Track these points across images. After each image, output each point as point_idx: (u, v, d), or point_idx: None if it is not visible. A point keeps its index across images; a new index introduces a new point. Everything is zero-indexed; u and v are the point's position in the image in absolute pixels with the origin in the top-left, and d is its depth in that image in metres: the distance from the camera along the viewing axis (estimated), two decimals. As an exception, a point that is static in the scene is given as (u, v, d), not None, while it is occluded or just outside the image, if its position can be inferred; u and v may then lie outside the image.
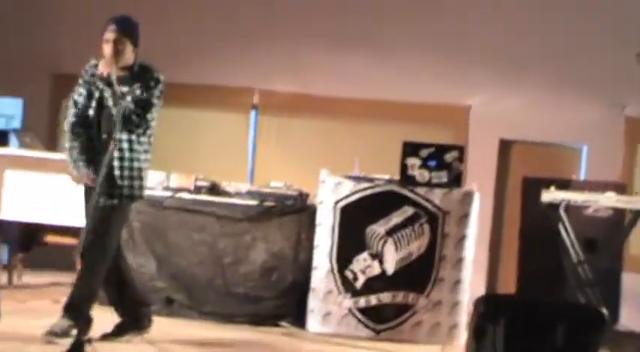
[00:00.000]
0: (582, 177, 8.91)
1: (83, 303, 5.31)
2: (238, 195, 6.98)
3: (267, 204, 6.85)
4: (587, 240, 6.82)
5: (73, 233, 7.06)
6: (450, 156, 6.67)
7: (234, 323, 6.59)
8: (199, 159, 8.98)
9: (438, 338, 6.46)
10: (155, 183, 7.03)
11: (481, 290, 8.37)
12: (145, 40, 9.77)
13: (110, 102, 5.28)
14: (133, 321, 5.49)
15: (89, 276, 5.33)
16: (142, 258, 6.88)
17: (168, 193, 6.92)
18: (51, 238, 7.53)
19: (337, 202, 6.63)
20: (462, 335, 6.24)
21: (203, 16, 9.44)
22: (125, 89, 5.26)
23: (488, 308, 4.18)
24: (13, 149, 7.89)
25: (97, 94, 5.34)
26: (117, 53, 5.26)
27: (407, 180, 6.64)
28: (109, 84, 5.25)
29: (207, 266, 6.80)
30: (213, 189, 7.00)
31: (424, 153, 6.66)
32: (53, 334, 5.20)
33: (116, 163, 5.30)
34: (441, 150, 6.69)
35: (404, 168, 6.66)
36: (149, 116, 5.34)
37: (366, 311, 6.56)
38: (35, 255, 7.88)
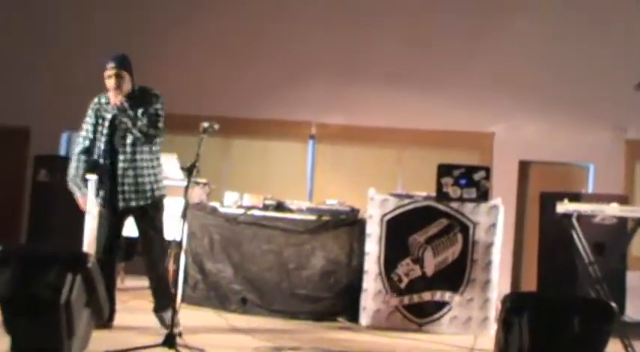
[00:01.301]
0: (590, 191, 8.77)
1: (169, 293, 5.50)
2: (300, 211, 6.97)
3: (324, 218, 6.83)
4: (596, 244, 6.69)
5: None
6: (478, 176, 6.61)
7: (299, 320, 6.57)
8: (267, 182, 9.02)
9: (471, 330, 6.38)
10: (231, 202, 7.08)
11: (507, 289, 8.27)
12: (217, 83, 9.88)
13: (130, 124, 5.35)
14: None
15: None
16: (221, 264, 6.91)
17: (241, 210, 6.95)
18: (147, 249, 7.58)
19: (383, 216, 6.61)
20: (492, 327, 6.16)
21: (266, 59, 9.50)
22: (140, 110, 5.37)
23: (514, 303, 4.13)
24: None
25: (106, 123, 5.42)
26: (120, 84, 5.37)
27: (442, 196, 6.60)
28: (124, 110, 5.35)
29: (275, 271, 6.79)
30: (279, 207, 6.99)
31: (456, 173, 6.61)
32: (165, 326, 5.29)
33: (131, 173, 5.42)
34: (470, 170, 6.64)
35: (439, 186, 6.61)
36: (160, 125, 5.45)
37: (409, 307, 6.51)
38: (135, 263, 7.97)
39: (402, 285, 6.52)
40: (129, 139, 5.42)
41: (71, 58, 9.94)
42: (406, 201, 6.62)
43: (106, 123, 5.45)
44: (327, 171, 9.50)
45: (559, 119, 8.95)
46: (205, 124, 5.25)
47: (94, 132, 5.48)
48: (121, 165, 5.43)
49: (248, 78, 9.48)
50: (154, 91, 5.53)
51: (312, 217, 6.86)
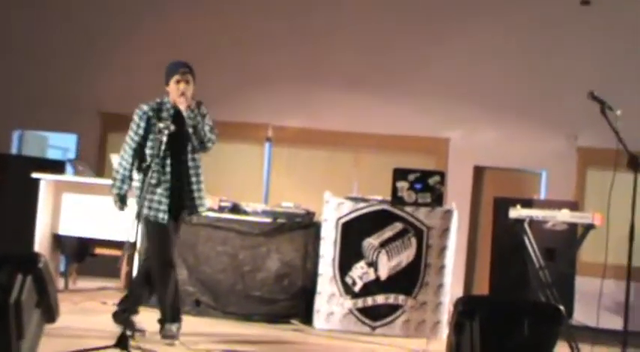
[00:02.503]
0: (542, 197, 8.89)
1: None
2: (255, 213, 6.97)
3: (280, 221, 6.86)
4: (546, 249, 6.79)
5: (118, 246, 7.09)
6: (433, 180, 6.68)
7: (253, 322, 6.57)
8: (223, 184, 8.96)
9: (424, 333, 6.44)
10: (186, 203, 7.05)
11: (460, 293, 8.36)
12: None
13: (191, 130, 5.34)
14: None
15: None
16: (176, 266, 6.88)
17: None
18: (100, 250, 7.51)
19: (339, 219, 6.64)
20: (445, 331, 6.24)
21: (226, 62, 9.48)
22: (199, 118, 5.37)
23: (466, 306, 4.17)
24: (69, 176, 7.91)
25: (166, 131, 5.27)
26: (188, 89, 5.40)
27: (397, 200, 6.65)
28: (194, 115, 5.34)
29: (230, 273, 6.78)
30: (234, 209, 7.00)
31: (411, 177, 6.67)
32: (171, 337, 5.31)
33: (194, 179, 5.42)
34: (425, 175, 6.70)
35: (394, 190, 6.66)
36: (213, 137, 5.45)
37: (363, 310, 6.55)
38: (87, 264, 7.89)
39: (356, 288, 6.55)
40: (189, 146, 5.39)
41: (23, 59, 9.82)
42: (361, 204, 6.65)
43: (166, 131, 5.26)
44: (283, 173, 9.50)
45: (513, 126, 9.07)
46: (161, 125, 5.22)
47: (144, 139, 5.38)
48: (180, 171, 5.39)
49: (205, 80, 9.34)
50: (204, 106, 5.52)
51: (268, 220, 6.87)
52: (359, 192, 7.05)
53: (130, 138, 5.39)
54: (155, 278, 5.41)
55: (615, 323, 6.21)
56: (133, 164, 5.39)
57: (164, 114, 5.37)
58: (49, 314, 4.48)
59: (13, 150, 9.95)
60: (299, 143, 9.49)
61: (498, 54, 9.07)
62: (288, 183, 9.34)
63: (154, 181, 5.27)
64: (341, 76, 9.33)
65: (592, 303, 5.88)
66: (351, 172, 9.02)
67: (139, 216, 5.06)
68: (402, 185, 6.65)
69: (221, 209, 6.96)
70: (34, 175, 7.15)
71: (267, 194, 9.49)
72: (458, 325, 4.10)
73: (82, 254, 7.64)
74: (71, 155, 9.75)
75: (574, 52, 8.85)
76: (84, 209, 7.14)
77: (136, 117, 5.39)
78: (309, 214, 6.95)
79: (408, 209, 6.58)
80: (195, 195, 5.43)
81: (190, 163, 5.42)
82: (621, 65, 8.73)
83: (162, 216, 5.32)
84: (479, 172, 9.22)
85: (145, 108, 5.40)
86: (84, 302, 6.78)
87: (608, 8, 8.78)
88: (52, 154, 10.14)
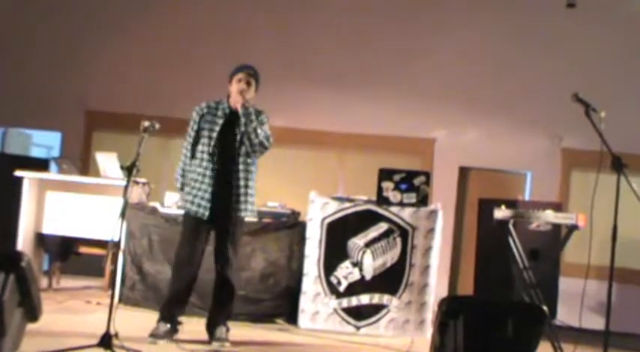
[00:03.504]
0: (527, 197, 8.94)
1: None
2: (241, 212, 6.96)
3: (265, 220, 6.85)
4: (531, 250, 6.84)
5: (102, 244, 7.07)
6: (418, 181, 6.70)
7: (238, 321, 6.54)
8: (208, 183, 8.98)
9: (408, 333, 6.46)
10: (171, 202, 7.03)
11: (445, 292, 8.39)
12: (161, 84, 9.83)
13: (242, 129, 5.37)
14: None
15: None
16: (160, 265, 6.85)
17: (182, 211, 6.91)
18: (83, 249, 7.48)
19: (324, 219, 6.65)
20: (429, 330, 6.25)
21: (210, 61, 9.44)
22: (255, 123, 5.38)
23: (450, 307, 4.19)
24: (53, 174, 7.87)
25: (217, 127, 5.38)
26: (248, 91, 5.44)
27: (382, 200, 6.66)
28: (248, 113, 5.36)
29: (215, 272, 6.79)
30: (220, 208, 6.99)
31: (397, 177, 6.69)
32: (157, 336, 5.33)
33: (242, 183, 5.44)
34: (410, 175, 6.72)
35: (380, 190, 6.68)
36: (266, 143, 5.45)
37: (348, 310, 6.56)
38: (71, 263, 7.86)
39: (341, 288, 6.57)
40: (242, 149, 5.40)
41: (7, 56, 9.76)
42: (347, 204, 6.66)
43: (217, 128, 5.39)
44: (269, 173, 9.47)
45: (499, 127, 9.11)
46: (146, 123, 5.21)
47: (198, 137, 5.43)
48: (229, 171, 5.40)
49: (190, 78, 9.42)
50: (265, 113, 5.56)
51: (253, 219, 6.85)
52: (344, 192, 7.06)
53: (188, 134, 5.51)
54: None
55: (598, 323, 6.25)
56: (191, 159, 5.45)
57: (219, 113, 5.42)
58: (32, 313, 4.48)
59: (-3, 148, 9.89)
60: (284, 143, 9.44)
61: (484, 55, 9.11)
62: (274, 182, 9.32)
63: (199, 177, 5.32)
64: (326, 75, 9.34)
65: (575, 304, 5.91)
66: (337, 172, 9.04)
67: (123, 214, 5.05)
68: (388, 185, 6.66)
69: (206, 208, 6.93)
70: (18, 173, 7.12)
71: (253, 193, 9.46)
72: (442, 325, 4.13)
73: (65, 253, 7.60)
74: (55, 153, 9.70)
75: (559, 53, 8.90)
76: (68, 207, 7.10)
77: (193, 114, 5.51)
78: (295, 214, 6.95)
79: (393, 209, 6.59)
80: (241, 198, 5.41)
81: (241, 166, 5.42)
82: (606, 67, 8.79)
83: (196, 210, 5.37)
84: (464, 173, 9.26)
85: (202, 105, 5.51)
86: (67, 301, 6.76)
87: (594, 11, 8.83)
88: (36, 152, 10.08)
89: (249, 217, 5.67)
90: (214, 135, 5.37)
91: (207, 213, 5.37)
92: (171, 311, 5.48)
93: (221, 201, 5.39)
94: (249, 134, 5.37)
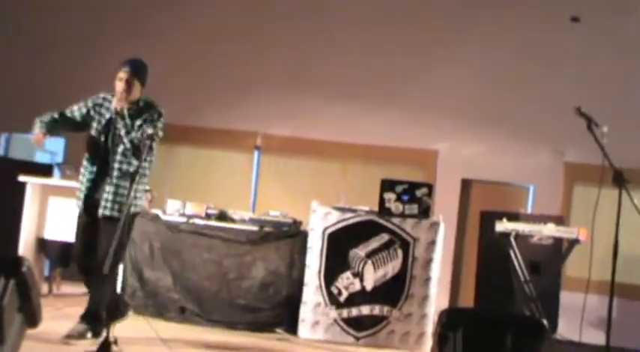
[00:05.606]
0: (529, 211, 8.91)
1: (99, 309, 5.32)
2: (242, 221, 6.96)
3: (266, 229, 6.85)
4: (532, 263, 6.84)
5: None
6: (420, 192, 6.70)
7: (237, 330, 6.55)
8: (210, 191, 8.98)
9: (408, 345, 6.45)
10: (173, 210, 7.04)
11: (445, 304, 8.36)
12: (165, 90, 9.84)
13: (122, 132, 5.27)
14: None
15: (105, 285, 5.35)
16: (160, 273, 6.86)
17: (183, 219, 6.93)
18: (85, 255, 7.47)
19: (325, 229, 6.65)
20: (429, 342, 6.24)
21: (216, 69, 9.48)
22: (138, 122, 5.28)
23: (450, 319, 4.18)
24: (56, 180, 7.87)
25: (103, 121, 5.35)
26: (128, 90, 5.31)
27: (384, 211, 6.66)
28: (122, 117, 5.28)
29: (215, 280, 6.77)
30: (221, 216, 6.99)
31: (399, 189, 6.69)
32: (71, 337, 5.24)
33: (123, 183, 5.31)
34: (413, 186, 6.72)
35: (382, 201, 6.68)
36: (154, 145, 5.31)
37: (348, 321, 6.55)
38: (72, 269, 7.83)
39: (342, 298, 6.56)
40: (120, 147, 5.31)
41: (10, 61, 9.80)
42: (348, 214, 6.66)
43: (103, 122, 5.36)
44: (271, 182, 9.50)
45: (502, 140, 9.11)
46: (149, 131, 5.21)
47: (82, 117, 5.43)
48: (107, 169, 5.33)
49: (195, 86, 9.44)
50: (158, 108, 5.42)
51: (255, 228, 6.86)
52: (346, 203, 7.06)
53: (77, 104, 5.47)
54: None
55: (598, 338, 6.22)
56: (62, 116, 5.48)
57: (102, 110, 5.39)
58: (32, 318, 4.46)
59: (0, 153, 9.90)
60: (288, 152, 9.50)
61: (488, 68, 9.11)
62: (276, 192, 9.34)
63: (82, 171, 5.39)
64: (331, 86, 9.36)
65: (576, 318, 5.90)
66: (339, 182, 9.04)
67: (125, 222, 5.05)
68: (390, 196, 6.66)
69: (208, 216, 6.95)
70: (21, 178, 7.12)
71: (255, 202, 9.48)
72: (441, 337, 4.11)
73: (66, 259, 7.58)
74: (59, 159, 9.70)
75: (563, 67, 8.90)
76: (70, 213, 7.06)
77: (89, 99, 5.47)
78: (296, 223, 6.95)
79: (395, 220, 6.59)
80: (109, 197, 5.32)
81: (116, 164, 5.32)
82: (609, 82, 8.79)
83: (77, 203, 5.40)
84: (466, 185, 9.25)
85: (102, 95, 5.47)
86: (67, 308, 6.73)
87: (598, 25, 8.84)
88: (40, 158, 10.09)
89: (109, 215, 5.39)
90: (100, 128, 5.34)
91: (81, 208, 5.38)
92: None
93: (93, 199, 5.36)
94: (121, 139, 5.29)
